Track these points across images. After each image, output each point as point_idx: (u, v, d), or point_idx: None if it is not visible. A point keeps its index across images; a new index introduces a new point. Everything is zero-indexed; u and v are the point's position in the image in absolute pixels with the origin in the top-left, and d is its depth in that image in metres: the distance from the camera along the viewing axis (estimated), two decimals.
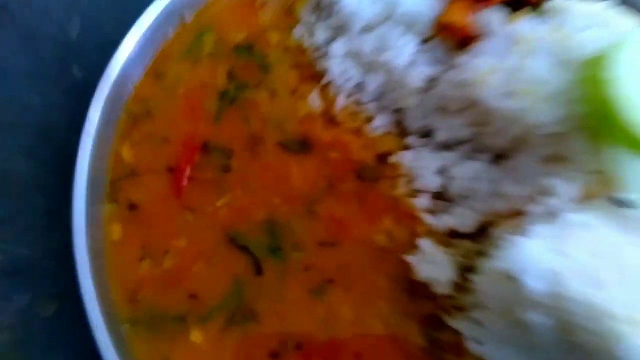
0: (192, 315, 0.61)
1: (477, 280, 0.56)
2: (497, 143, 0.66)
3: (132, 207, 0.65)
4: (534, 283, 0.50)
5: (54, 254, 0.69)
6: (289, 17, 0.76)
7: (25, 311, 0.66)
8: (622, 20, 0.67)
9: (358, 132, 0.71)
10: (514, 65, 0.63)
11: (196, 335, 0.60)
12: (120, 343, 0.57)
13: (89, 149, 0.64)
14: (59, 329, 0.65)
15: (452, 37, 0.69)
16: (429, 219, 0.66)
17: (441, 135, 0.69)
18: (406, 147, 0.70)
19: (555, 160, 0.62)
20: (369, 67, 0.72)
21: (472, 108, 0.67)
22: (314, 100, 0.72)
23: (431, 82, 0.70)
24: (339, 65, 0.72)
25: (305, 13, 0.76)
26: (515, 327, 0.54)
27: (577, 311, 0.48)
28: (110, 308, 0.59)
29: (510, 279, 0.51)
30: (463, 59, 0.67)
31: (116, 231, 0.64)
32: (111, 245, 0.63)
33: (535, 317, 0.51)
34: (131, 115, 0.70)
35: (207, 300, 0.62)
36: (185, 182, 0.66)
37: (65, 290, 0.67)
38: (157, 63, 0.72)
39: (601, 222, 0.54)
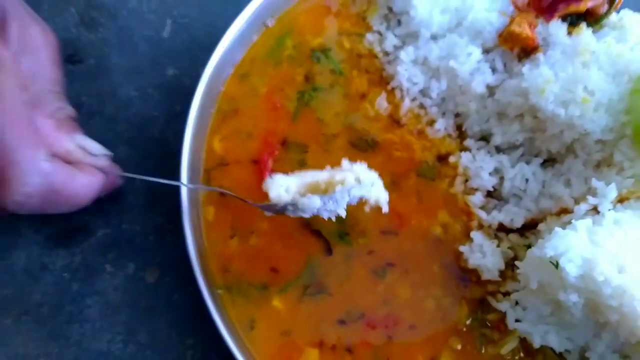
0: (274, 286, 0.84)
1: (522, 266, 0.76)
2: (551, 148, 0.85)
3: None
4: (571, 268, 0.68)
5: (153, 230, 0.94)
6: (362, 24, 0.98)
7: (133, 277, 0.91)
8: None
9: (421, 133, 0.92)
10: (572, 75, 0.81)
11: (277, 302, 0.83)
12: (217, 304, 0.81)
13: (190, 141, 0.87)
14: (161, 293, 0.90)
15: (514, 48, 0.87)
16: (481, 214, 0.85)
17: (498, 139, 0.88)
18: (464, 149, 0.90)
19: (603, 165, 0.80)
20: (434, 73, 0.92)
21: (529, 114, 0.85)
22: (382, 103, 0.93)
23: (492, 89, 0.89)
24: (406, 71, 0.92)
25: (376, 21, 0.97)
26: (552, 306, 0.73)
27: (605, 292, 0.67)
28: (209, 276, 0.83)
29: (551, 265, 0.70)
30: (524, 68, 0.85)
31: (210, 212, 0.88)
32: (207, 224, 0.87)
33: (569, 297, 0.70)
34: (221, 111, 0.93)
35: (286, 274, 0.85)
36: (267, 173, 0.89)
37: (165, 260, 0.92)
38: (243, 65, 0.95)
39: (635, 219, 0.72)
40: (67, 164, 0.70)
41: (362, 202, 0.78)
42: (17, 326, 0.89)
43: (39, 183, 0.63)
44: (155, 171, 0.96)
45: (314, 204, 0.74)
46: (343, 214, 0.76)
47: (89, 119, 1.00)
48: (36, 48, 0.65)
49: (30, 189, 0.63)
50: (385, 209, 0.78)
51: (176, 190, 0.85)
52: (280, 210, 0.77)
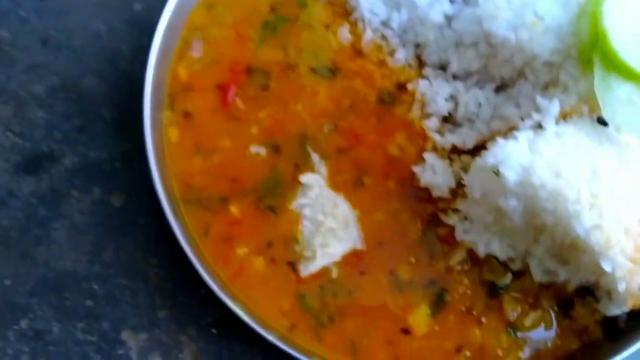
0: (233, 194, 0.90)
1: (467, 177, 0.82)
2: (503, 73, 0.92)
3: (187, 115, 0.94)
4: (510, 174, 0.75)
5: (120, 156, 0.99)
6: None
7: (100, 201, 0.97)
8: None
9: (382, 63, 0.97)
10: (523, 1, 0.87)
11: (234, 209, 0.89)
12: (178, 215, 0.87)
13: (153, 68, 0.92)
14: (126, 216, 0.96)
15: None
16: (436, 137, 0.92)
17: (454, 67, 0.95)
18: (423, 78, 0.96)
19: (550, 86, 0.86)
20: (395, 4, 0.98)
21: (483, 41, 0.91)
22: (344, 34, 0.99)
23: (449, 19, 0.95)
24: (367, 3, 0.98)
25: None
26: (494, 213, 0.80)
27: (541, 196, 0.74)
28: (171, 192, 0.89)
29: (493, 173, 0.76)
30: None
31: (174, 134, 0.93)
32: (170, 145, 0.93)
33: (509, 203, 0.76)
34: (186, 40, 0.98)
35: (246, 183, 0.91)
36: (231, 97, 0.94)
37: (131, 185, 0.98)
38: None
39: (575, 132, 0.79)
40: None
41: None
42: None
43: None
44: (124, 102, 1.03)
45: None
46: None
47: (56, 51, 1.05)
48: None
49: None
50: None
51: (141, 116, 0.90)
52: None
